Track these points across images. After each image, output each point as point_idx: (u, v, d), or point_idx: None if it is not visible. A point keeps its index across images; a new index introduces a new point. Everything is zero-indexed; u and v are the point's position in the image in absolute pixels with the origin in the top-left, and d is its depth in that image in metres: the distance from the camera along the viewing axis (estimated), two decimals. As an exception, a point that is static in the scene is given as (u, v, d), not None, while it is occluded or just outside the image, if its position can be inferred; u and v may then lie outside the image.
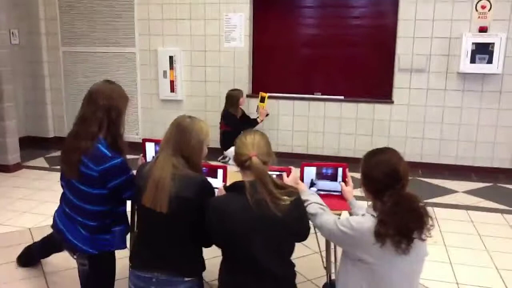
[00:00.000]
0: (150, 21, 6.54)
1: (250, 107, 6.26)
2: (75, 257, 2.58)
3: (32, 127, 7.11)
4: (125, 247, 2.63)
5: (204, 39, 6.41)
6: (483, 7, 5.58)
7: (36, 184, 5.29)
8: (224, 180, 2.60)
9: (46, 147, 6.86)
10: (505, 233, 4.18)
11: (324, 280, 2.75)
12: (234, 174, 2.55)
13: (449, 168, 5.91)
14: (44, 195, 4.92)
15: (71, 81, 6.96)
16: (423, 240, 1.97)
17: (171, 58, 6.46)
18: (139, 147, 3.06)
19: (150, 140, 2.98)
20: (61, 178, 2.58)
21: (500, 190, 5.36)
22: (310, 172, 2.66)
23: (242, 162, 2.00)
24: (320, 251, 2.92)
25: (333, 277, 2.64)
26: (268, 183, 1.96)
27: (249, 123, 5.85)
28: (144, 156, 2.95)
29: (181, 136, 2.17)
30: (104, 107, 2.41)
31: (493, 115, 5.76)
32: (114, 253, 2.66)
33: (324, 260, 2.75)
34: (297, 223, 2.06)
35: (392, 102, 6.05)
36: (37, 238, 3.58)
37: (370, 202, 2.10)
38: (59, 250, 3.23)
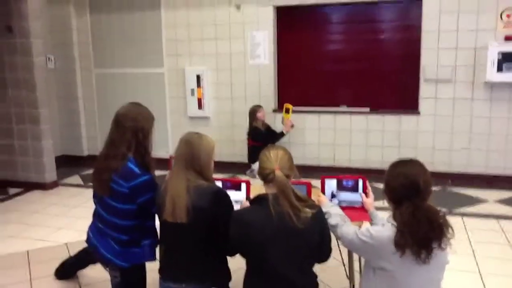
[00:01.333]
0: (177, 41, 6.76)
1: (276, 121, 6.36)
2: (107, 269, 2.72)
3: (68, 147, 7.40)
4: (154, 259, 2.74)
5: (229, 57, 6.58)
6: (508, 16, 5.55)
7: (71, 201, 5.52)
8: (248, 193, 2.69)
9: (81, 165, 7.13)
10: (537, 244, 4.11)
11: None
12: (259, 188, 2.64)
13: (479, 178, 5.83)
14: (79, 212, 5.12)
15: (103, 102, 7.25)
16: (443, 249, 2.00)
17: (198, 76, 6.66)
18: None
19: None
20: (94, 196, 2.74)
21: (532, 200, 5.26)
22: (331, 184, 2.73)
23: (265, 176, 2.09)
24: (343, 262, 2.96)
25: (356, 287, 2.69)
26: (291, 196, 2.04)
27: (276, 136, 5.96)
28: (172, 172, 3.07)
29: (191, 152, 2.29)
30: (132, 129, 2.56)
31: (523, 124, 5.67)
32: (144, 265, 2.78)
33: (347, 270, 2.79)
34: (318, 235, 2.12)
35: (419, 113, 6.03)
36: (74, 252, 3.75)
37: (389, 215, 2.15)
38: (93, 262, 3.39)
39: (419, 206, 1.99)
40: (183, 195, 2.20)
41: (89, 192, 5.68)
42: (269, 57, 6.43)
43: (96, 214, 2.74)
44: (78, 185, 6.21)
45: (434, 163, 5.80)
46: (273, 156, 2.11)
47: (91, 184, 5.92)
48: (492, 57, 5.50)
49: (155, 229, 2.73)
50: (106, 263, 2.69)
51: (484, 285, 3.38)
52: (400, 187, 2.05)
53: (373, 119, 6.24)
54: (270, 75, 6.48)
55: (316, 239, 2.12)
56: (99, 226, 2.68)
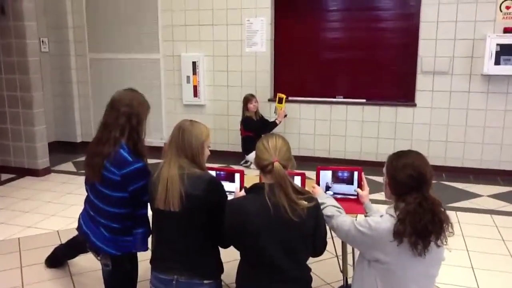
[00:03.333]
0: (173, 27, 6.67)
1: (271, 111, 6.31)
2: (99, 258, 2.68)
3: (61, 132, 7.33)
4: (146, 249, 2.71)
5: (226, 44, 6.50)
6: (507, 7, 5.50)
7: (64, 188, 5.46)
8: (242, 183, 2.65)
9: (74, 151, 7.07)
10: (531, 238, 4.11)
11: (341, 283, 2.78)
12: (253, 178, 2.61)
13: (474, 172, 5.83)
14: (72, 199, 5.07)
15: (97, 87, 7.16)
16: (439, 246, 1.98)
17: (194, 63, 6.58)
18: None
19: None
20: (86, 182, 2.69)
21: (526, 194, 5.26)
22: (326, 175, 2.70)
23: (263, 167, 2.05)
24: (337, 256, 2.94)
25: (349, 281, 2.67)
26: (288, 188, 2.00)
27: (268, 125, 5.94)
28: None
29: (183, 139, 2.25)
30: (125, 114, 2.51)
31: (519, 117, 5.66)
32: (136, 254, 2.75)
33: (341, 263, 2.77)
34: (313, 229, 2.09)
35: (415, 105, 6.00)
36: (65, 240, 3.72)
37: (388, 206, 2.12)
38: (84, 251, 3.35)
39: (427, 197, 1.97)
40: (176, 182, 2.16)
41: (82, 179, 5.58)
42: (266, 45, 6.35)
43: (87, 201, 2.70)
44: (71, 172, 6.14)
45: (430, 156, 5.76)
46: (271, 147, 2.06)
47: (83, 170, 5.91)
48: (490, 49, 5.47)
49: (147, 218, 2.69)
50: (97, 251, 2.65)
51: (476, 280, 3.38)
52: (408, 179, 2.01)
53: (369, 110, 6.20)
54: (267, 63, 6.41)
55: (311, 233, 2.09)
56: (90, 213, 2.64)
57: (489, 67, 5.50)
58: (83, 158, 6.81)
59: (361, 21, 6.21)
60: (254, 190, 2.12)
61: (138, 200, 2.54)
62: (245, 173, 2.75)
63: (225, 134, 6.60)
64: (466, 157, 5.88)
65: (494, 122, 5.74)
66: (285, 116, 6.05)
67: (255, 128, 5.93)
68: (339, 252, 2.80)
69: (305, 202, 2.04)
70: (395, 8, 6.11)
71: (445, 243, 1.99)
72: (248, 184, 2.45)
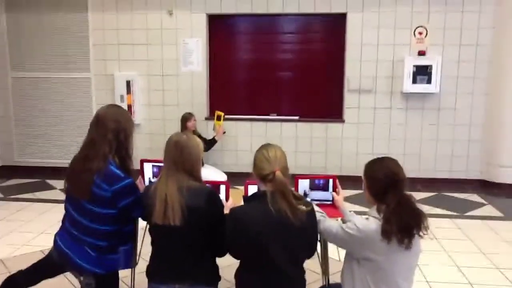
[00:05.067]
0: (106, 46, 6.55)
1: (209, 129, 6.42)
2: (81, 278, 2.59)
3: (-22, 156, 6.79)
4: (130, 266, 2.69)
5: (161, 63, 6.52)
6: (420, 33, 6.20)
7: (-7, 215, 5.09)
8: (227, 195, 2.75)
9: (-6, 176, 6.59)
10: (458, 235, 4.63)
11: (318, 284, 2.95)
12: (238, 193, 2.72)
13: (397, 180, 6.38)
14: (6, 226, 4.72)
15: (21, 108, 6.76)
16: (421, 236, 2.25)
17: (128, 82, 6.50)
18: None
19: (148, 161, 3.07)
20: (67, 200, 2.60)
21: (444, 198, 5.88)
22: (304, 184, 2.89)
23: (264, 176, 2.18)
24: (318, 257, 3.11)
25: (331, 281, 2.86)
26: (289, 195, 2.14)
27: (208, 143, 6.03)
28: (142, 176, 3.03)
29: (182, 153, 2.31)
30: (113, 130, 2.50)
31: (433, 130, 6.34)
32: (118, 272, 2.70)
33: (321, 264, 2.96)
34: (311, 231, 2.25)
35: (343, 121, 6.47)
36: (13, 269, 3.47)
37: (369, 209, 2.35)
38: (50, 276, 3.19)
39: (403, 195, 2.22)
40: (175, 196, 2.20)
41: (11, 205, 5.35)
42: (202, 64, 6.49)
43: (68, 220, 2.60)
44: (-5, 198, 5.73)
45: (358, 167, 6.24)
46: (272, 157, 2.20)
47: (12, 196, 5.56)
48: (408, 69, 6.11)
49: (133, 234, 2.68)
50: (80, 272, 2.57)
51: (423, 274, 3.76)
52: (385, 178, 2.24)
53: (302, 126, 6.56)
54: (203, 82, 6.53)
55: (310, 235, 2.25)
56: (72, 233, 2.55)
57: (408, 86, 6.14)
58: (7, 183, 6.41)
59: (292, 43, 6.60)
60: (255, 198, 2.23)
61: (127, 217, 2.53)
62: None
63: (162, 154, 6.54)
64: (391, 167, 6.42)
65: (413, 135, 6.37)
66: (224, 133, 6.19)
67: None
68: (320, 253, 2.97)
69: (304, 207, 2.20)
70: (323, 31, 6.60)
71: (425, 232, 2.25)
72: (233, 197, 2.58)
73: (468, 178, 6.39)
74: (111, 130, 2.50)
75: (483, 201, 5.75)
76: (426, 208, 5.36)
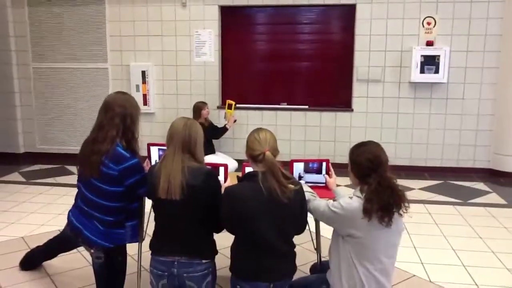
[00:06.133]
0: (122, 37, 6.81)
1: (221, 118, 6.63)
2: (92, 251, 2.84)
3: (2, 143, 7.13)
4: (136, 240, 2.92)
5: (175, 54, 6.74)
6: (428, 23, 6.27)
7: (17, 197, 5.40)
8: (226, 176, 2.95)
9: (17, 162, 6.94)
10: (458, 221, 4.75)
11: (308, 266, 3.15)
12: (233, 175, 2.92)
13: (404, 169, 6.49)
14: (28, 207, 5.05)
15: (41, 97, 7.09)
16: (401, 215, 2.41)
17: (143, 72, 6.74)
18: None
19: (154, 144, 3.29)
20: (79, 179, 2.84)
21: (449, 186, 5.98)
22: (299, 167, 3.07)
23: (255, 156, 2.37)
24: (311, 234, 3.29)
25: (322, 259, 3.05)
26: (278, 173, 2.33)
27: (219, 131, 6.24)
28: (149, 159, 3.26)
29: (190, 135, 2.50)
30: (120, 115, 2.73)
31: (441, 120, 6.42)
32: (125, 246, 2.94)
33: (314, 241, 3.15)
34: (299, 208, 2.44)
35: (352, 110, 6.60)
36: (33, 245, 3.77)
37: (354, 189, 2.52)
38: (65, 250, 3.47)
39: (384, 177, 2.38)
40: (178, 174, 2.40)
41: (33, 189, 5.69)
42: (214, 55, 6.68)
43: (80, 198, 2.84)
44: (20, 182, 6.05)
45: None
46: (262, 139, 2.40)
47: (34, 180, 5.88)
48: (416, 59, 6.19)
49: (139, 211, 2.90)
50: (90, 245, 2.81)
51: (419, 256, 3.91)
52: (366, 162, 2.41)
53: (311, 115, 6.71)
54: (215, 73, 6.73)
55: (298, 212, 2.44)
56: (83, 208, 2.79)
57: (415, 76, 6.23)
58: (29, 168, 6.74)
59: (302, 34, 6.74)
60: (247, 178, 2.43)
61: (133, 194, 2.76)
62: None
63: (175, 141, 6.79)
64: (398, 155, 6.54)
65: (420, 124, 6.47)
66: (235, 121, 6.38)
67: (206, 134, 6.17)
68: (313, 230, 3.16)
69: (292, 186, 2.38)
70: (333, 22, 6.72)
71: (405, 211, 2.42)
72: (231, 178, 2.77)
73: (476, 167, 6.47)
74: (118, 115, 2.72)
75: (488, 189, 5.83)
76: (429, 196, 5.52)
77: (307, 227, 2.58)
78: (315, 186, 3.03)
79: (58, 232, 3.61)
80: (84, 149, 2.77)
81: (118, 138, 2.72)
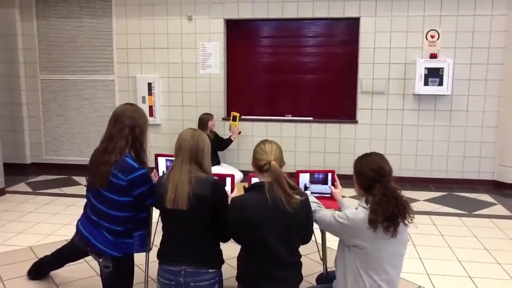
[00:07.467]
0: (128, 49, 6.90)
1: (226, 129, 6.68)
2: (100, 260, 2.87)
3: (9, 154, 7.19)
4: (144, 250, 2.95)
5: (181, 66, 6.82)
6: (432, 36, 6.33)
7: (24, 207, 5.44)
8: (232, 187, 2.99)
9: (24, 173, 7.00)
10: (463, 233, 4.75)
11: (314, 276, 3.16)
12: (240, 186, 2.96)
13: (409, 180, 6.51)
14: (35, 217, 5.08)
15: (49, 109, 7.17)
16: (406, 225, 2.44)
17: (149, 84, 6.82)
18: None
19: (161, 155, 3.34)
20: (88, 189, 2.89)
21: (454, 198, 5.99)
22: (304, 177, 3.10)
23: (261, 166, 2.41)
24: (317, 245, 3.31)
25: (328, 269, 3.07)
26: (284, 183, 2.36)
27: (224, 142, 6.29)
28: (157, 169, 3.30)
29: (197, 145, 2.54)
30: (129, 126, 2.78)
31: (445, 132, 6.45)
32: (133, 256, 2.97)
33: (320, 252, 3.17)
34: (304, 218, 2.47)
35: (357, 122, 6.64)
36: (40, 255, 3.80)
37: (360, 200, 2.55)
38: (73, 260, 3.49)
39: (388, 187, 2.41)
40: (185, 185, 2.44)
41: (40, 199, 5.73)
42: (220, 67, 6.76)
43: (89, 207, 2.89)
44: (27, 192, 6.11)
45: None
46: (268, 149, 2.44)
47: (41, 191, 5.92)
48: (420, 72, 6.24)
49: (147, 221, 2.94)
50: (99, 254, 2.84)
51: (424, 267, 3.91)
52: (370, 172, 2.45)
53: (316, 127, 6.75)
54: (220, 85, 6.80)
55: (304, 222, 2.47)
56: (92, 218, 2.83)
57: (419, 88, 6.28)
58: (36, 179, 6.79)
59: (307, 47, 6.81)
60: (254, 188, 2.46)
61: (141, 204, 2.80)
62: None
63: (181, 152, 6.84)
64: (403, 167, 6.56)
65: (425, 136, 6.50)
66: (239, 133, 6.44)
67: (212, 145, 6.22)
68: (319, 241, 3.18)
69: (298, 196, 2.41)
70: (337, 35, 6.79)
71: (410, 221, 2.44)
72: (237, 188, 2.81)
73: (480, 179, 6.47)
74: (127, 126, 2.78)
75: (493, 201, 5.84)
76: (435, 207, 5.52)
77: (313, 238, 2.60)
78: (321, 197, 3.07)
79: (65, 242, 3.65)
80: (94, 159, 2.82)
81: (127, 149, 2.77)
